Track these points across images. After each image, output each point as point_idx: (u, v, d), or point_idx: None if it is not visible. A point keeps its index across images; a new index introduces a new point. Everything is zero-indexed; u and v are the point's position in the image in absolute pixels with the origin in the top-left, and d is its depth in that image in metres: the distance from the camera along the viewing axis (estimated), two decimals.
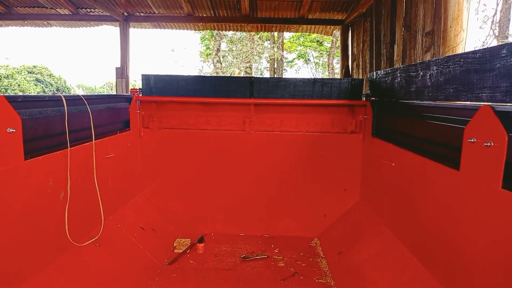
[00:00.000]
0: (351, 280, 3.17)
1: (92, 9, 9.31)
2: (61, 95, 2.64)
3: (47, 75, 21.95)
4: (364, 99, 4.15)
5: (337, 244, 3.87)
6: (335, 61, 19.89)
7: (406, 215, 2.91)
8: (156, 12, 9.27)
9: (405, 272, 2.66)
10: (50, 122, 2.51)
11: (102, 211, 3.01)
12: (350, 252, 3.55)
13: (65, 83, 23.55)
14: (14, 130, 2.08)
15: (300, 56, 23.68)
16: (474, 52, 2.03)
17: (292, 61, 24.31)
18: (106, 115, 3.44)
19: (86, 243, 2.79)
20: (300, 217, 4.36)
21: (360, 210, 4.06)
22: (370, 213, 3.80)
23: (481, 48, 1.98)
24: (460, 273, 2.08)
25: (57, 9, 9.25)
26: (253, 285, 3.26)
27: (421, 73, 2.74)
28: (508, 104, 1.79)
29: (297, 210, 4.36)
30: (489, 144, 1.81)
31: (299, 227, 4.35)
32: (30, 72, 21.16)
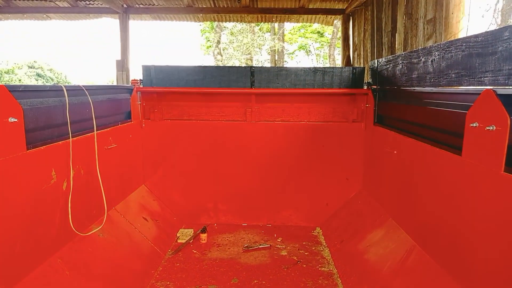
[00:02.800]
0: (354, 267, 3.18)
1: (91, 1, 9.25)
2: (62, 85, 2.64)
3: (48, 69, 21.89)
4: (365, 87, 4.13)
5: (339, 232, 3.88)
6: (336, 52, 19.74)
7: (409, 202, 2.91)
8: (156, 4, 9.20)
9: (408, 258, 2.67)
10: (52, 112, 2.51)
11: (105, 202, 3.02)
12: (352, 240, 3.56)
13: (66, 78, 23.50)
14: (16, 120, 2.08)
15: (301, 48, 23.47)
16: (476, 36, 2.02)
17: (293, 53, 24.12)
18: (107, 106, 3.43)
19: (89, 233, 2.80)
20: (302, 207, 4.37)
21: (363, 199, 4.06)
22: (373, 202, 3.80)
23: (483, 32, 1.96)
24: (462, 259, 2.08)
25: (56, 2, 9.20)
26: (256, 274, 3.28)
27: (422, 59, 2.72)
28: (510, 87, 1.78)
29: (299, 199, 4.36)
30: (491, 128, 1.80)
31: (301, 217, 4.36)
32: (31, 67, 21.08)
